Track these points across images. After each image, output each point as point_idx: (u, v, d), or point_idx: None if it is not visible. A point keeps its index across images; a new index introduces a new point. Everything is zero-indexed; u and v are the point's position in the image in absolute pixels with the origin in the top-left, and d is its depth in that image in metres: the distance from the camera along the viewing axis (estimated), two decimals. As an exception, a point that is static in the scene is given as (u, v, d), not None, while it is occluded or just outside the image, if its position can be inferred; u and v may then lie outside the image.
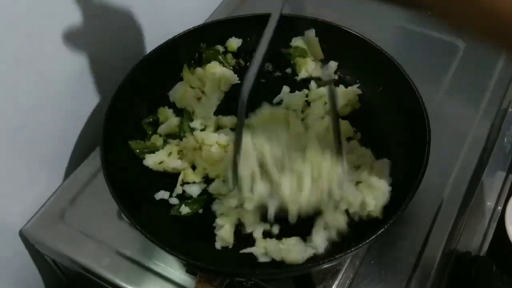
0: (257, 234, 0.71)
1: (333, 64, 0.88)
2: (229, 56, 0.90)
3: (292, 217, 0.66)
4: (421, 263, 0.75)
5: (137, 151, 0.78)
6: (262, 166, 0.67)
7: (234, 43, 0.90)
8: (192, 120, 0.83)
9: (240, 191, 0.67)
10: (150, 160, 0.77)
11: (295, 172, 0.67)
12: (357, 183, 0.73)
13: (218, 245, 0.70)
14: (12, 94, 0.72)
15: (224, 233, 0.70)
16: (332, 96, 0.66)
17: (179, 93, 0.85)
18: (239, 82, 0.88)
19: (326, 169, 0.67)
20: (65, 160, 0.88)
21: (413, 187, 0.66)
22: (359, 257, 0.75)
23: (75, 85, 0.83)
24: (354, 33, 0.83)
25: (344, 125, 0.79)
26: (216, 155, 0.77)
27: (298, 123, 0.78)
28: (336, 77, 0.87)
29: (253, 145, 0.68)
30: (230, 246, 0.70)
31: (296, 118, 0.79)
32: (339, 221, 0.69)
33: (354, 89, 0.84)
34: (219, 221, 0.71)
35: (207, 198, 0.75)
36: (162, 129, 0.82)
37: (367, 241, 0.63)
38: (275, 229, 0.71)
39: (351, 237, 0.70)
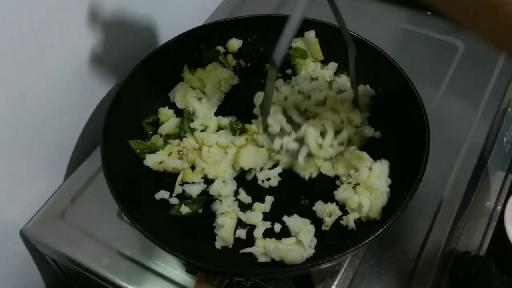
0: (257, 233, 0.71)
1: (333, 65, 0.88)
2: (230, 57, 0.90)
3: (319, 163, 0.76)
4: (420, 262, 0.75)
5: (138, 151, 0.78)
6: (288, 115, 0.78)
7: (235, 43, 0.90)
8: (192, 121, 0.83)
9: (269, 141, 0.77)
10: (150, 160, 0.77)
11: (318, 120, 0.77)
12: (355, 185, 0.74)
13: (218, 245, 0.70)
14: (13, 94, 0.72)
15: (224, 233, 0.70)
16: (352, 53, 0.72)
17: (180, 93, 0.85)
18: (239, 83, 0.89)
19: (345, 114, 0.79)
20: (65, 160, 0.88)
21: (412, 187, 0.66)
22: (358, 257, 0.75)
23: (75, 85, 0.83)
24: (354, 34, 0.83)
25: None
26: (216, 156, 0.77)
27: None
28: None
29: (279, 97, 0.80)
30: (230, 246, 0.71)
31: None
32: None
33: (368, 90, 0.84)
34: (219, 221, 0.71)
35: (207, 198, 0.75)
36: (162, 129, 0.82)
37: (366, 241, 0.63)
38: (277, 228, 0.72)
39: (351, 237, 0.70)
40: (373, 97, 0.84)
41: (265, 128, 0.77)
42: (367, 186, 0.72)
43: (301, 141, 0.77)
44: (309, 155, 0.76)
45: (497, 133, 0.91)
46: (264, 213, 0.73)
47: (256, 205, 0.74)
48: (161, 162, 0.76)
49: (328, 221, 0.71)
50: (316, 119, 0.78)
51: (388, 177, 0.74)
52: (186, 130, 0.82)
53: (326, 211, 0.72)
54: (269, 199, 0.75)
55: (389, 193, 0.71)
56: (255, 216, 0.72)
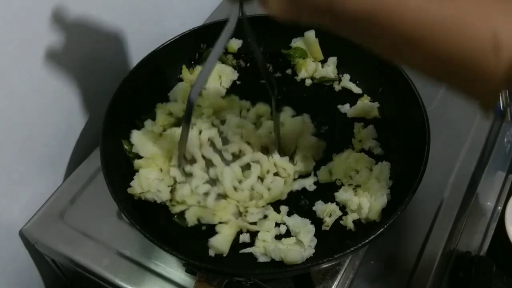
0: (266, 236, 0.70)
1: (333, 60, 0.88)
2: (230, 57, 0.90)
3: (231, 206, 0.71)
4: (421, 263, 0.75)
5: (127, 152, 0.77)
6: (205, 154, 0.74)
7: (235, 44, 0.90)
8: None
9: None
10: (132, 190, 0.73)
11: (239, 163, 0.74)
12: (356, 186, 0.73)
13: (211, 252, 0.69)
14: (12, 93, 0.72)
15: (216, 242, 0.68)
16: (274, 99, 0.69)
17: (179, 93, 0.85)
18: (239, 83, 0.89)
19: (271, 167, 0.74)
20: (65, 160, 0.88)
21: (412, 187, 0.66)
22: (358, 257, 0.75)
23: (75, 85, 0.83)
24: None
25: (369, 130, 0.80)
26: None
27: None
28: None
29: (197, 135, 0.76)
30: (224, 255, 0.69)
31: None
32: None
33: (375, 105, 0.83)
34: (217, 228, 0.70)
35: None
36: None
37: (366, 241, 0.63)
38: (283, 230, 0.71)
39: (351, 237, 0.70)
40: (374, 99, 0.83)
41: (179, 164, 0.72)
42: (367, 188, 0.72)
43: (213, 182, 0.73)
44: (220, 196, 0.72)
45: (498, 133, 0.91)
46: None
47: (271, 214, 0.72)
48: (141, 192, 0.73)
49: (328, 221, 0.71)
50: (236, 161, 0.74)
51: (389, 179, 0.73)
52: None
53: (326, 211, 0.71)
54: (284, 209, 0.73)
55: (389, 195, 0.71)
56: (267, 225, 0.71)
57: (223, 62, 0.89)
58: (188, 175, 0.73)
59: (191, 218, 0.71)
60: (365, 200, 0.70)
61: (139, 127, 0.80)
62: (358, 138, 0.79)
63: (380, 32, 0.43)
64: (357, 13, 0.43)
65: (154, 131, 0.80)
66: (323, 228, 0.71)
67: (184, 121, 0.66)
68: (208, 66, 0.61)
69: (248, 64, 0.91)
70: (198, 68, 0.88)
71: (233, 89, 0.87)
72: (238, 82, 0.89)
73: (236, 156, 0.76)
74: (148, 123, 0.80)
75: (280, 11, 0.48)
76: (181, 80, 0.87)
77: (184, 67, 0.87)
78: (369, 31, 0.44)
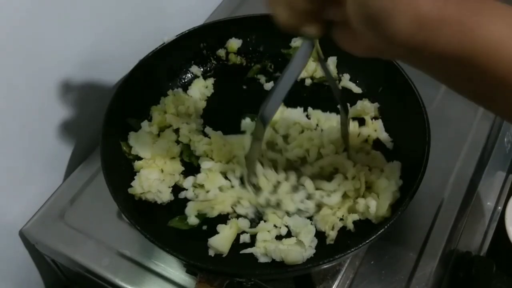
0: (266, 236, 0.70)
1: (332, 60, 0.87)
2: (233, 56, 0.90)
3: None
4: (421, 263, 0.75)
5: (126, 154, 0.77)
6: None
7: (235, 43, 0.90)
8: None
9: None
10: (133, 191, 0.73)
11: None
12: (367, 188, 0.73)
13: (211, 252, 0.69)
14: (12, 93, 0.72)
15: (215, 242, 0.68)
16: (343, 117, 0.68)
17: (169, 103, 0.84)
18: (238, 83, 0.88)
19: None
20: (65, 160, 0.88)
21: (412, 187, 0.66)
22: (359, 257, 0.75)
23: (75, 85, 0.83)
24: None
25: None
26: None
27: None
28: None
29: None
30: (224, 255, 0.69)
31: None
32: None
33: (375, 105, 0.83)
34: (217, 228, 0.70)
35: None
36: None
37: (366, 241, 0.63)
38: (283, 230, 0.71)
39: (351, 237, 0.70)
40: (374, 99, 0.83)
41: (249, 182, 0.71)
42: (377, 187, 0.71)
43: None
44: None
45: (498, 133, 0.91)
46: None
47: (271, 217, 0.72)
48: (142, 193, 0.73)
49: (332, 234, 0.69)
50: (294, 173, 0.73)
51: (399, 178, 0.72)
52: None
53: (328, 223, 0.70)
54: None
55: (397, 192, 0.70)
56: (267, 225, 0.71)
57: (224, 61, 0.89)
58: (257, 188, 0.71)
59: (190, 213, 0.72)
60: (369, 200, 0.69)
61: (136, 129, 0.80)
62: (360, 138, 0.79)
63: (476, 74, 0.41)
64: (449, 53, 0.40)
65: (152, 132, 0.80)
66: (328, 242, 0.69)
67: (254, 143, 0.63)
68: (281, 91, 0.57)
69: (247, 63, 0.91)
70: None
71: (230, 90, 0.88)
72: (244, 87, 0.89)
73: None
74: (145, 124, 0.80)
75: (361, 48, 0.48)
76: (180, 81, 0.87)
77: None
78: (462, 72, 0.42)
